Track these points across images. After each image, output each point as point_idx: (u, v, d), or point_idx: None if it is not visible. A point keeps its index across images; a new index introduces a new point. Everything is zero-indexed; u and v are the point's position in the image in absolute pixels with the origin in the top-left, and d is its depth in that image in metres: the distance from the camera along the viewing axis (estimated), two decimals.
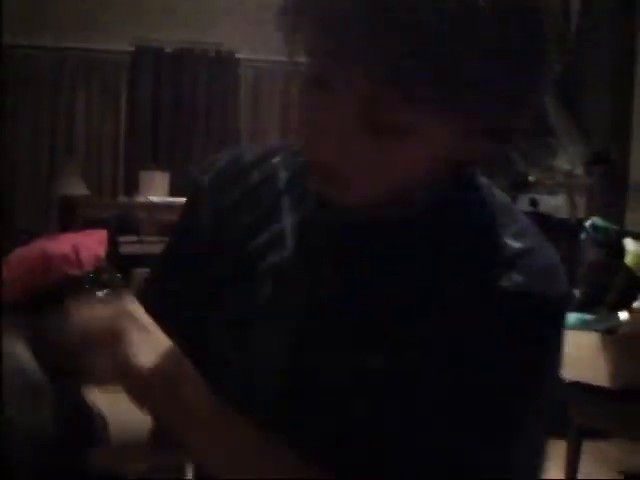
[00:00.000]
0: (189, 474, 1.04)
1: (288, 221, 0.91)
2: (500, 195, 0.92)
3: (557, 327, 0.85)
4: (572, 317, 3.26)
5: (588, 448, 3.50)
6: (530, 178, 5.61)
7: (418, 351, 0.83)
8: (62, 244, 3.04)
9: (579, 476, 3.39)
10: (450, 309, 0.83)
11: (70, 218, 5.51)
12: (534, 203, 5.93)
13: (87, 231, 3.61)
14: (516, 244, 0.85)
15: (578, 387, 3.21)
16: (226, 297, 0.94)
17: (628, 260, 3.06)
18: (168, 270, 1.02)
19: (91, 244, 3.15)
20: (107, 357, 0.78)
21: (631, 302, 3.00)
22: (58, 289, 2.85)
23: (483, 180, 0.92)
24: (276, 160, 0.96)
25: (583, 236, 3.33)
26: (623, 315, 2.99)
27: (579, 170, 5.52)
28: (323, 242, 0.89)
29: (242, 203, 0.95)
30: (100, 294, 2.90)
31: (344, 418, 0.85)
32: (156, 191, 6.03)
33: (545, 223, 5.86)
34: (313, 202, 0.90)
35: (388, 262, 0.86)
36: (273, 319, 0.90)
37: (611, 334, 2.97)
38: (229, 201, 0.96)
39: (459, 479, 0.80)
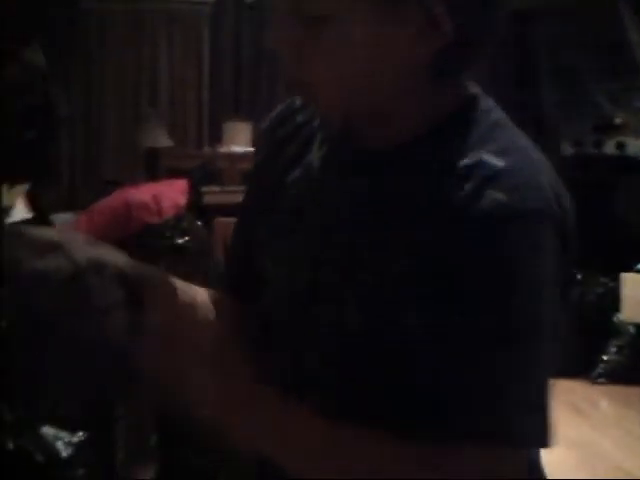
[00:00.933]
0: None
1: (316, 154, 0.98)
2: (497, 115, 0.94)
3: (534, 239, 0.85)
4: None
5: None
6: (617, 120, 5.47)
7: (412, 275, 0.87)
8: (143, 193, 3.10)
9: None
10: (435, 238, 0.86)
11: (155, 169, 5.61)
12: (621, 146, 5.79)
13: (168, 181, 3.67)
14: (498, 162, 0.86)
15: None
16: (267, 226, 1.02)
17: None
18: (246, 214, 1.10)
19: (172, 193, 3.21)
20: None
21: None
22: (139, 236, 2.92)
23: (489, 102, 0.95)
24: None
25: None
26: None
27: None
28: (338, 172, 0.96)
29: (287, 141, 1.02)
30: (180, 241, 2.97)
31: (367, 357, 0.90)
32: (239, 141, 6.09)
33: (632, 167, 5.72)
34: (335, 136, 0.97)
35: (385, 187, 0.92)
36: (296, 240, 0.97)
37: None
38: (278, 139, 1.03)
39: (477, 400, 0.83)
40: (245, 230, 1.08)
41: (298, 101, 1.04)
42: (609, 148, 5.91)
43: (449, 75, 0.91)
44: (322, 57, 0.87)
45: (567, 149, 6.32)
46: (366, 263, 0.90)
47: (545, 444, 0.85)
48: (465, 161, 0.87)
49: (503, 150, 0.87)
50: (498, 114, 0.94)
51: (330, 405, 0.88)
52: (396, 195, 0.90)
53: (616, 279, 3.72)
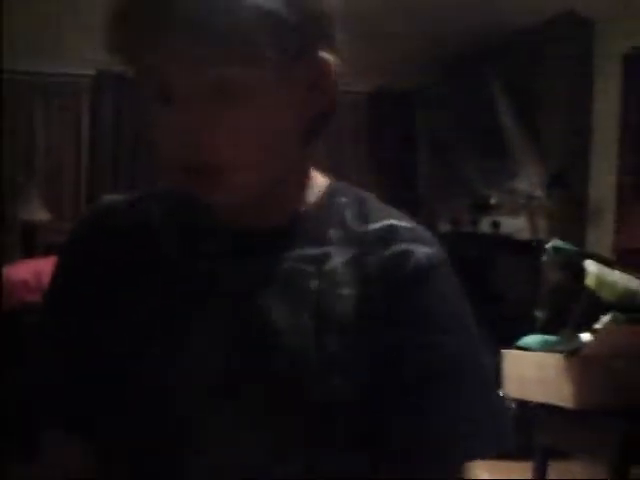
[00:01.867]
0: None
1: (176, 246, 0.98)
2: (364, 193, 1.03)
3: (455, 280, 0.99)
4: (536, 338, 3.27)
5: (554, 468, 3.51)
6: (491, 200, 5.66)
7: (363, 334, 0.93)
8: (23, 271, 3.00)
9: None
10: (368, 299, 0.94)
11: (31, 243, 5.45)
12: (496, 225, 5.98)
13: (48, 257, 3.57)
14: (407, 224, 0.97)
15: (542, 408, 3.22)
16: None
17: (589, 281, 3.08)
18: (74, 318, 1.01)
19: (49, 270, 3.12)
20: None
21: (593, 323, 3.02)
22: (18, 314, 2.82)
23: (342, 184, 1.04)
24: (147, 205, 1.03)
25: (544, 258, 3.35)
26: (585, 336, 3.01)
27: (539, 192, 5.57)
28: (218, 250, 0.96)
29: (116, 243, 1.00)
30: None
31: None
32: None
33: (506, 245, 5.91)
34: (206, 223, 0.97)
35: (288, 262, 0.95)
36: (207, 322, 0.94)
37: (574, 355, 2.98)
38: (106, 244, 1.00)
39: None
40: (81, 336, 0.98)
41: (113, 212, 1.03)
42: (484, 226, 6.10)
43: (315, 139, 0.96)
44: (236, 130, 0.87)
45: (444, 227, 6.49)
46: (287, 340, 0.91)
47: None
48: (373, 226, 0.96)
49: (400, 216, 0.98)
50: (364, 192, 1.02)
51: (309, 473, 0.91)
52: (302, 267, 0.94)
53: (496, 355, 3.79)
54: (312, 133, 0.94)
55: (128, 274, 0.97)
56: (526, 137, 5.80)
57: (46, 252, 4.56)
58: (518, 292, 5.08)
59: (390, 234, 0.95)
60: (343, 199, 0.99)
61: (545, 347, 3.18)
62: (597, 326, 2.98)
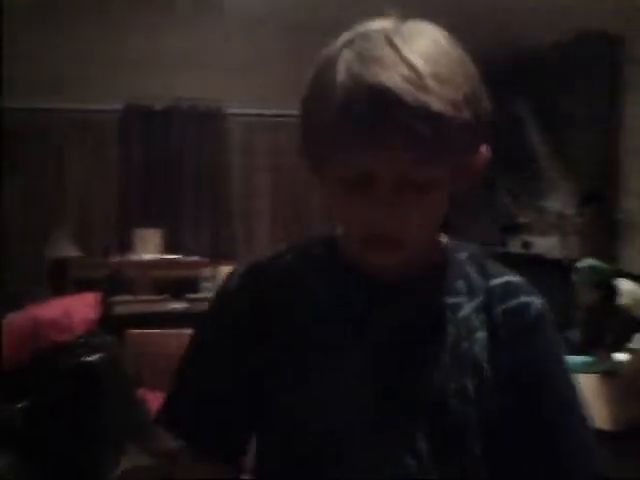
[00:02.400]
0: None
1: (330, 301, 1.14)
2: (473, 248, 1.22)
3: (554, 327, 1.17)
4: (571, 359, 3.23)
5: None
6: (521, 220, 5.61)
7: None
8: (52, 309, 3.01)
9: None
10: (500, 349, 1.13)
11: (62, 280, 5.48)
12: (526, 245, 5.93)
13: (77, 295, 3.59)
14: (517, 279, 1.18)
15: None
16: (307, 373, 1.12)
17: (623, 301, 3.04)
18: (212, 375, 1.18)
19: (82, 307, 3.12)
20: None
21: (628, 342, 2.98)
22: (50, 355, 2.82)
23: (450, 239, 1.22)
24: (289, 261, 1.19)
25: (576, 277, 3.31)
26: (621, 356, 2.96)
27: (571, 210, 5.52)
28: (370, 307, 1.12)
29: (276, 302, 1.15)
30: (91, 359, 2.88)
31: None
32: (149, 249, 6.02)
33: (538, 264, 5.86)
34: (349, 281, 1.14)
35: (425, 315, 1.12)
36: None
37: (610, 375, 2.94)
38: (265, 301, 1.16)
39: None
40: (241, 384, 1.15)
41: (267, 271, 1.18)
42: (515, 247, 6.05)
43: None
44: (420, 215, 1.04)
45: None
46: (428, 378, 1.09)
47: None
48: (495, 282, 1.15)
49: (510, 272, 1.18)
50: (475, 249, 1.21)
51: None
52: (440, 317, 1.12)
53: None
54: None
55: (282, 321, 1.14)
56: (555, 155, 5.76)
57: (76, 289, 4.58)
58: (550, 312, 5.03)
59: (511, 287, 1.15)
60: (463, 255, 1.18)
61: (580, 368, 3.13)
62: (632, 345, 2.93)
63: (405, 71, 0.98)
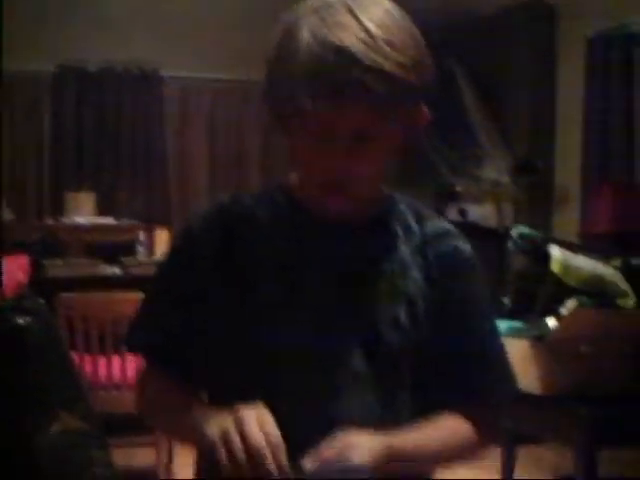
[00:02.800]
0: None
1: (286, 237, 1.30)
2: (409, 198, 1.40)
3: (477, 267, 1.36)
4: (501, 325, 3.27)
5: (522, 453, 3.53)
6: (457, 188, 5.66)
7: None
8: None
9: None
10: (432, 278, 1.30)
11: None
12: (463, 213, 5.99)
13: (8, 257, 3.53)
14: (438, 225, 1.35)
15: None
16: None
17: (554, 267, 3.08)
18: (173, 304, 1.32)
19: (12, 270, 3.07)
20: None
21: (558, 308, 3.02)
22: None
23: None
24: (250, 203, 1.33)
25: (509, 244, 3.35)
26: (551, 321, 3.01)
27: (505, 179, 5.58)
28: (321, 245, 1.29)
29: (236, 235, 1.31)
30: (22, 321, 2.83)
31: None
32: (82, 212, 5.94)
33: (473, 232, 5.92)
34: (303, 222, 1.30)
35: (369, 253, 1.29)
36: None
37: (540, 340, 2.99)
38: (222, 237, 1.30)
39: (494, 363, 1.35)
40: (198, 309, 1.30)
41: (229, 206, 1.33)
42: (451, 214, 6.10)
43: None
44: (368, 162, 1.21)
45: None
46: (368, 307, 1.27)
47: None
48: (429, 228, 1.33)
49: (444, 220, 1.37)
50: (414, 200, 1.39)
51: (375, 404, 1.26)
52: (380, 256, 1.29)
53: None
54: (393, 155, 1.28)
55: (241, 255, 1.29)
56: (491, 124, 5.80)
57: (10, 251, 4.51)
58: (485, 279, 5.09)
59: (444, 233, 1.33)
60: (402, 204, 1.35)
61: (511, 333, 3.17)
62: (562, 311, 2.98)
63: (363, 35, 1.13)
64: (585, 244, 4.21)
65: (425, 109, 1.26)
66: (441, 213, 6.15)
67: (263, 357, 1.25)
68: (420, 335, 1.27)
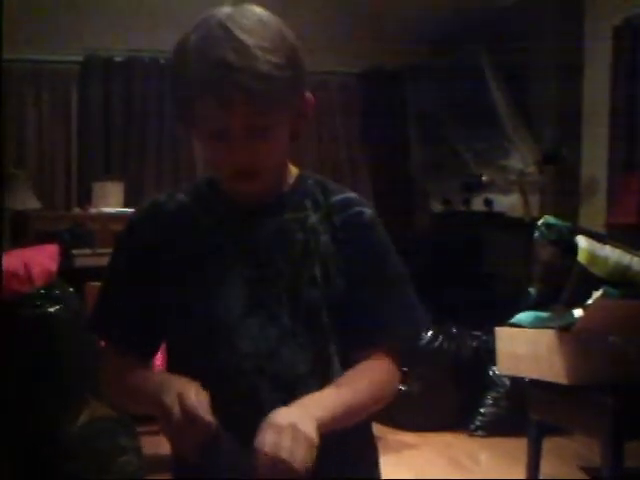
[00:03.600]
0: None
1: (211, 228, 1.50)
2: (318, 176, 1.60)
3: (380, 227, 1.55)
4: (529, 315, 3.27)
5: (549, 445, 3.53)
6: (483, 178, 5.64)
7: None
8: (12, 261, 2.98)
9: (541, 473, 3.41)
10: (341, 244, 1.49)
11: (23, 233, 5.43)
12: (488, 203, 5.97)
13: (38, 246, 3.56)
14: (352, 195, 1.55)
15: (536, 385, 3.23)
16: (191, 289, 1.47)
17: (580, 257, 3.07)
18: (126, 296, 1.51)
19: (42, 259, 3.10)
20: None
21: (585, 299, 3.02)
22: (10, 306, 2.80)
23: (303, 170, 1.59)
24: (181, 198, 1.54)
25: (536, 235, 3.34)
26: (578, 312, 3.01)
27: (532, 169, 5.55)
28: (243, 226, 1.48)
29: (170, 232, 1.51)
30: (52, 309, 2.87)
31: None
32: (110, 202, 5.98)
33: (499, 222, 5.91)
34: (223, 208, 1.50)
35: (285, 230, 1.48)
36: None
37: (566, 331, 2.99)
38: (160, 232, 1.51)
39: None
40: (147, 296, 1.48)
41: (160, 206, 1.53)
42: (477, 205, 6.09)
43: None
44: (267, 151, 1.40)
45: (437, 207, 6.47)
46: (286, 269, 1.46)
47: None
48: (335, 198, 1.53)
49: (348, 191, 1.56)
50: (322, 177, 1.59)
51: (304, 351, 1.44)
52: (291, 225, 1.49)
53: (490, 333, 3.80)
54: (292, 139, 1.46)
55: (177, 242, 1.48)
56: (517, 114, 5.78)
57: (37, 241, 4.54)
58: (511, 269, 5.08)
59: (347, 202, 1.53)
60: (310, 181, 1.55)
61: (538, 324, 3.18)
62: (589, 302, 2.97)
63: (236, 45, 1.32)
64: (612, 234, 4.18)
65: (309, 95, 1.46)
66: (467, 203, 6.14)
67: (204, 327, 1.44)
68: (334, 290, 1.46)
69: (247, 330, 1.43)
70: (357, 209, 1.52)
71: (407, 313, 1.52)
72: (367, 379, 1.45)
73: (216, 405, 1.33)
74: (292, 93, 1.39)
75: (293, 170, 1.56)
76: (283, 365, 1.43)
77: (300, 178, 1.55)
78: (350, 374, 1.44)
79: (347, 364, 1.47)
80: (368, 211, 1.53)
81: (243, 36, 1.33)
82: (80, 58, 6.44)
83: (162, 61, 6.60)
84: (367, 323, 1.48)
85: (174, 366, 1.50)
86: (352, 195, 1.55)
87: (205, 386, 1.35)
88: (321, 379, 1.44)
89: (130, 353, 1.51)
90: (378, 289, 1.50)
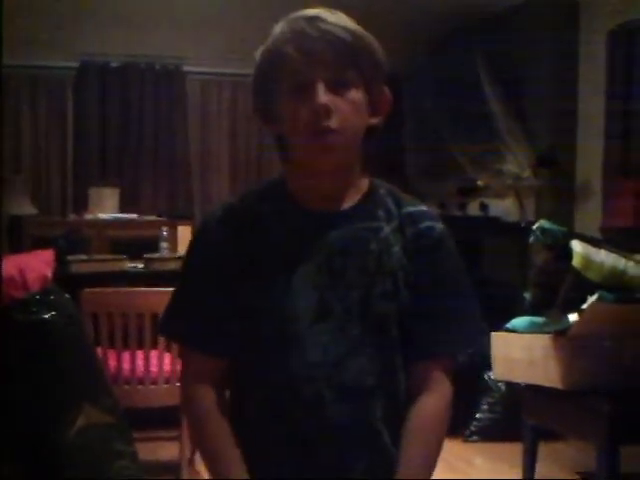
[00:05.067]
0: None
1: (281, 230, 1.50)
2: (388, 185, 1.60)
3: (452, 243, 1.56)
4: (524, 320, 3.27)
5: (544, 450, 3.53)
6: (479, 183, 5.65)
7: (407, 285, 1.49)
8: (7, 266, 2.98)
9: (536, 477, 3.41)
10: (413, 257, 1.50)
11: (19, 238, 5.43)
12: (484, 207, 5.98)
13: (33, 251, 3.55)
14: (425, 208, 1.55)
15: (531, 389, 3.23)
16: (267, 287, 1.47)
17: (575, 262, 3.07)
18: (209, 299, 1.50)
19: (37, 265, 3.09)
20: None
21: (580, 303, 3.02)
22: (4, 311, 2.80)
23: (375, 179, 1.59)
24: (253, 201, 1.53)
25: (531, 239, 3.34)
26: (573, 316, 3.00)
27: (527, 173, 5.56)
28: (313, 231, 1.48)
29: (246, 231, 1.50)
30: (47, 316, 2.86)
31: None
32: (106, 208, 5.98)
33: (495, 226, 5.91)
34: (295, 214, 1.50)
35: (360, 237, 1.49)
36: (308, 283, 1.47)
37: (561, 336, 2.99)
38: (236, 233, 1.50)
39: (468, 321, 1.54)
40: (227, 299, 1.48)
41: (235, 208, 1.53)
42: (473, 209, 6.09)
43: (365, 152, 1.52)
44: (344, 111, 1.42)
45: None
46: (359, 279, 1.47)
47: None
48: (407, 210, 1.52)
49: (420, 203, 1.56)
50: (392, 186, 1.58)
51: (373, 363, 1.45)
52: (365, 235, 1.49)
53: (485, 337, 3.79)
54: (365, 143, 1.49)
55: (250, 246, 1.48)
56: (512, 117, 5.78)
57: (33, 246, 4.53)
58: (507, 274, 5.08)
59: (420, 215, 1.52)
60: (382, 190, 1.55)
61: (533, 328, 3.17)
62: (584, 306, 2.97)
63: (328, 14, 1.43)
64: (607, 238, 4.19)
65: (387, 90, 1.51)
66: (463, 207, 6.14)
67: (273, 332, 1.45)
68: (403, 302, 1.48)
69: (316, 338, 1.44)
70: (429, 223, 1.52)
71: (469, 324, 1.54)
72: (439, 428, 1.52)
73: (280, 413, 1.41)
74: (370, 66, 1.45)
75: (364, 179, 1.56)
76: (350, 376, 1.44)
77: (372, 187, 1.55)
78: (424, 430, 1.50)
79: (406, 373, 1.51)
80: (439, 226, 1.53)
81: (336, 20, 1.43)
82: (76, 64, 6.45)
83: (157, 67, 6.62)
84: (430, 333, 1.50)
85: (240, 369, 1.51)
86: (424, 208, 1.56)
87: (271, 392, 1.43)
88: (387, 391, 1.47)
89: (206, 354, 1.51)
90: (443, 301, 1.51)
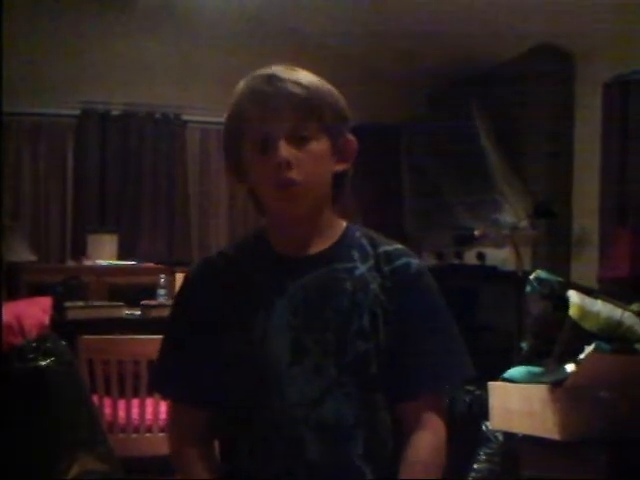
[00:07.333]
0: None
1: (260, 276, 1.56)
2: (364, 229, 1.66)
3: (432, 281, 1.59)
4: (521, 370, 3.27)
5: None
6: (476, 232, 5.66)
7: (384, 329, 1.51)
8: (4, 313, 2.98)
9: None
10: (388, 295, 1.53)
11: (16, 285, 5.42)
12: (481, 256, 5.99)
13: (30, 299, 3.56)
14: (399, 246, 1.60)
15: (529, 440, 3.21)
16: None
17: (572, 312, 3.08)
18: (190, 350, 1.56)
19: (34, 312, 3.10)
20: None
21: (577, 354, 3.02)
22: (8, 358, 2.80)
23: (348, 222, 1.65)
24: (231, 253, 1.62)
25: (527, 289, 3.35)
26: (570, 367, 3.00)
27: (524, 223, 5.58)
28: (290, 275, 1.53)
29: (226, 283, 1.57)
30: (43, 363, 2.86)
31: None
32: (104, 254, 5.99)
33: (492, 276, 5.92)
34: (271, 261, 1.56)
35: (333, 280, 1.53)
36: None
37: (558, 386, 2.98)
38: (217, 284, 1.57)
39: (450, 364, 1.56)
40: (209, 349, 1.53)
41: (216, 262, 1.61)
42: (470, 258, 6.10)
43: (337, 192, 1.59)
44: (307, 163, 1.48)
45: (430, 260, 6.49)
46: (335, 319, 1.50)
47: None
48: (383, 249, 1.57)
49: (394, 243, 1.60)
50: (367, 229, 1.63)
51: (351, 401, 1.48)
52: (340, 275, 1.53)
53: (483, 387, 3.78)
54: (335, 189, 1.57)
55: (229, 296, 1.54)
56: (509, 168, 5.82)
57: (31, 293, 4.53)
58: (504, 323, 5.08)
59: (395, 252, 1.57)
60: (357, 233, 1.60)
61: (530, 379, 3.17)
62: (581, 356, 2.97)
63: (287, 70, 1.51)
64: (603, 289, 4.20)
65: (352, 137, 1.58)
66: (460, 256, 6.15)
67: (257, 377, 1.49)
68: (383, 339, 1.50)
69: (293, 379, 1.47)
70: (405, 259, 1.56)
71: (454, 360, 1.55)
72: (438, 460, 1.52)
73: (268, 456, 1.45)
74: (330, 112, 1.51)
75: (340, 222, 1.62)
76: (328, 415, 1.46)
77: (347, 230, 1.61)
78: (420, 462, 1.49)
79: (395, 412, 1.53)
80: (416, 262, 1.57)
81: (288, 74, 1.50)
82: (77, 112, 6.49)
83: (157, 115, 6.67)
84: (416, 372, 1.52)
85: (226, 416, 1.55)
86: (399, 246, 1.60)
87: (257, 436, 1.46)
88: (368, 428, 1.49)
89: (194, 406, 1.56)
90: (426, 338, 1.53)
